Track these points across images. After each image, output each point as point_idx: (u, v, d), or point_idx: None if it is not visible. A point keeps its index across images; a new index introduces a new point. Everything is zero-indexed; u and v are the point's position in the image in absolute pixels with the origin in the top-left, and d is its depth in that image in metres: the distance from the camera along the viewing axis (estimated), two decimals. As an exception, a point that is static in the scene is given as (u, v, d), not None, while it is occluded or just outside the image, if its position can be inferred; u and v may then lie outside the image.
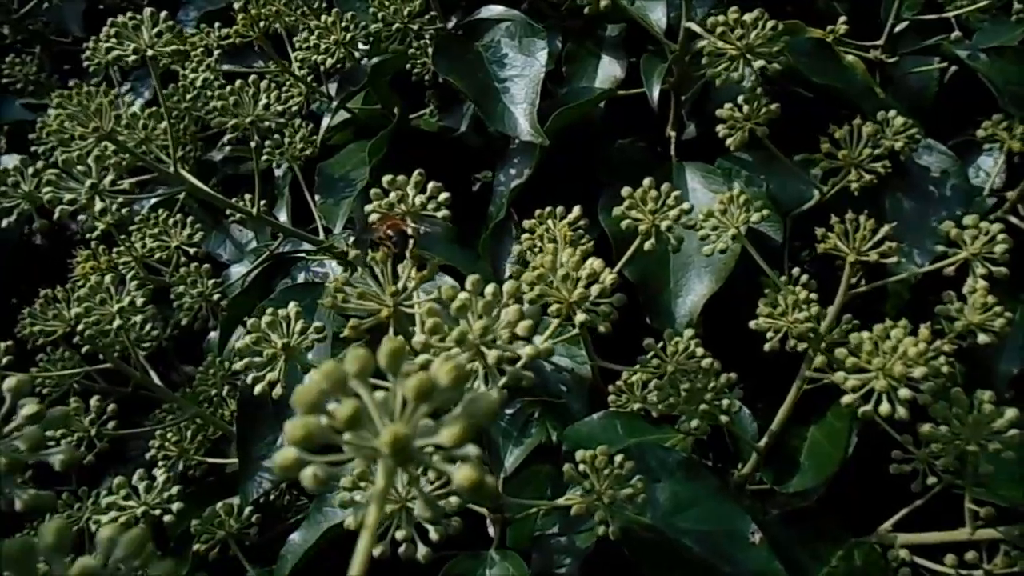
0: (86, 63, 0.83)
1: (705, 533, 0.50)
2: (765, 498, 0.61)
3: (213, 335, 0.77)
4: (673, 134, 0.72)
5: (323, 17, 0.65)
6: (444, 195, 0.48)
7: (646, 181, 0.50)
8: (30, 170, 0.59)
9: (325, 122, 0.72)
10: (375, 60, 0.69)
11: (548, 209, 0.56)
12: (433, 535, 0.39)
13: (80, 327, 0.55)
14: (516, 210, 0.71)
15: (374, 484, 0.23)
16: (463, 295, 0.36)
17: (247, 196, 0.80)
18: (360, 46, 0.68)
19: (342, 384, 0.22)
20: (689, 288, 0.62)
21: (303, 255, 0.71)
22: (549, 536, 0.54)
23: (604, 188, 0.64)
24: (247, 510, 0.62)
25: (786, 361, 0.55)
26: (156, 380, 0.64)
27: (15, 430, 0.29)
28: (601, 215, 0.63)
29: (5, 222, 0.60)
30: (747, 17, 0.53)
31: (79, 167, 0.53)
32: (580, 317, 0.43)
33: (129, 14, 0.57)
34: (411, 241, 0.43)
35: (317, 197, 0.71)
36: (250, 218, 0.64)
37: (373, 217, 0.47)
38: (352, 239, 0.69)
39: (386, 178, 0.47)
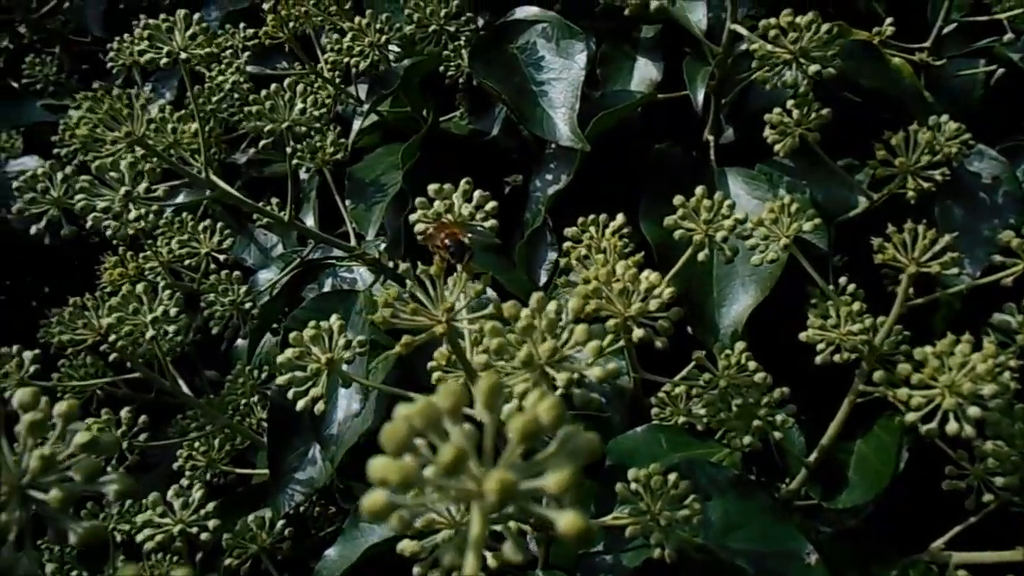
0: (109, 64, 0.82)
1: (759, 553, 0.49)
2: (811, 514, 0.59)
3: (240, 342, 0.76)
4: (711, 138, 0.70)
5: (357, 19, 0.63)
6: (491, 204, 0.46)
7: (699, 190, 0.49)
8: (59, 175, 0.58)
9: (356, 126, 0.70)
10: (408, 62, 0.67)
11: (592, 217, 0.54)
12: (491, 562, 0.37)
13: (112, 337, 0.54)
14: (549, 215, 0.69)
15: (466, 524, 0.21)
16: (526, 312, 0.34)
17: (274, 200, 0.79)
18: (392, 48, 0.67)
19: (435, 423, 0.21)
20: (734, 298, 0.60)
21: (333, 261, 0.69)
22: (594, 555, 0.53)
23: (644, 194, 0.63)
24: (280, 523, 0.60)
25: (825, 372, 0.54)
26: (185, 389, 0.63)
27: (68, 459, 0.27)
28: (642, 223, 0.61)
29: (34, 228, 0.59)
30: (801, 20, 0.52)
31: (112, 173, 0.51)
32: (638, 333, 0.41)
33: (162, 16, 0.55)
34: (468, 252, 0.42)
35: (348, 202, 0.70)
36: (280, 223, 0.63)
37: (420, 227, 0.46)
38: (383, 246, 0.68)
39: (432, 187, 0.46)
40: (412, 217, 0.47)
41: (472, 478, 0.20)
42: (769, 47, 0.54)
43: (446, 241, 0.42)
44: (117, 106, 0.56)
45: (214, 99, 0.75)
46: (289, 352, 0.45)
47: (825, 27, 0.52)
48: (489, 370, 0.33)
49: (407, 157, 0.66)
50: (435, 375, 0.48)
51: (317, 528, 0.67)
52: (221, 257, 0.67)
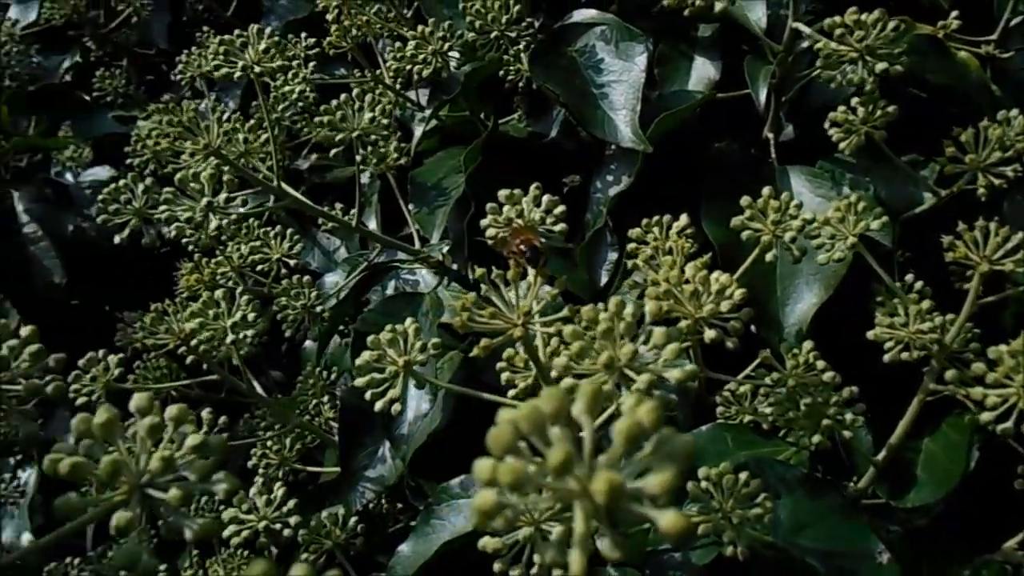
0: (177, 76, 0.85)
1: (829, 552, 0.49)
2: (880, 513, 0.59)
3: (309, 344, 0.78)
4: (771, 136, 0.70)
5: (420, 28, 0.65)
6: (560, 208, 0.47)
7: (766, 190, 0.49)
8: (140, 187, 0.60)
9: (419, 131, 0.72)
10: (469, 68, 0.68)
11: (656, 218, 0.55)
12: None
13: (194, 341, 0.56)
14: (608, 216, 0.70)
15: (571, 525, 0.22)
16: (604, 316, 0.35)
17: (338, 205, 0.81)
18: (453, 54, 0.68)
19: (540, 426, 0.22)
20: (798, 297, 0.60)
21: (397, 264, 0.71)
22: (662, 552, 0.53)
23: (706, 194, 0.63)
24: (352, 520, 0.62)
25: (889, 371, 0.53)
26: (259, 390, 0.65)
27: (182, 459, 0.29)
28: (705, 223, 0.62)
29: (118, 238, 0.61)
30: (868, 18, 0.51)
31: (192, 184, 0.54)
32: (710, 334, 0.42)
33: (236, 32, 0.57)
34: (542, 257, 0.43)
35: (411, 206, 0.71)
36: (347, 228, 0.64)
37: (491, 232, 0.47)
38: (446, 248, 0.69)
39: (503, 192, 0.47)
40: (483, 222, 0.48)
41: (575, 479, 0.21)
42: (834, 45, 0.53)
43: (521, 246, 0.43)
44: (191, 117, 0.58)
45: (279, 108, 0.77)
46: (367, 355, 0.47)
47: (892, 24, 0.51)
48: (576, 374, 0.34)
49: (469, 161, 0.68)
50: (504, 376, 0.49)
51: (385, 525, 0.69)
52: (291, 262, 0.69)
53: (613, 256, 0.69)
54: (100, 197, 0.60)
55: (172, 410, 0.30)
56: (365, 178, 0.88)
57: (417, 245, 0.69)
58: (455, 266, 0.68)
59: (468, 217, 0.67)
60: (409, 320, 0.48)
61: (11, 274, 0.89)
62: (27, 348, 0.36)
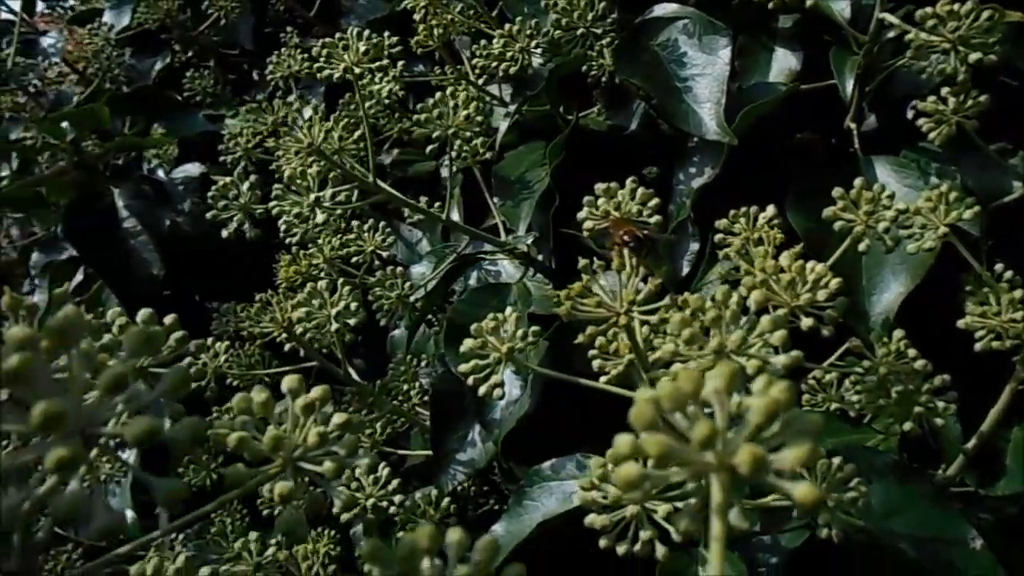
0: (267, 76, 0.89)
1: (921, 538, 0.50)
2: (967, 501, 0.59)
3: (397, 332, 0.81)
4: (854, 126, 0.70)
5: (507, 26, 0.67)
6: (655, 201, 0.49)
7: (858, 181, 0.50)
8: (245, 184, 0.64)
9: (503, 126, 0.74)
10: (553, 64, 0.70)
11: (743, 209, 0.56)
12: (676, 536, 0.40)
13: (299, 329, 0.59)
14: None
15: (710, 497, 0.24)
16: (710, 304, 0.37)
17: (422, 199, 0.84)
18: (535, 51, 0.70)
19: (682, 404, 0.24)
20: (884, 286, 0.61)
21: (483, 256, 0.73)
22: (751, 535, 0.55)
23: (791, 186, 0.64)
24: (445, 501, 0.65)
25: (976, 359, 0.54)
26: (355, 376, 0.68)
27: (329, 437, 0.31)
28: (790, 214, 0.62)
29: (225, 232, 0.65)
30: (960, 8, 0.52)
31: (299, 180, 0.57)
32: (807, 322, 0.43)
33: (338, 35, 0.60)
34: (645, 247, 0.44)
35: (495, 199, 0.73)
36: (437, 221, 0.67)
37: (588, 224, 0.49)
38: (530, 239, 0.71)
39: (600, 185, 0.49)
40: (580, 215, 0.50)
41: (714, 452, 0.23)
42: (924, 35, 0.54)
43: (624, 237, 0.45)
44: (293, 117, 0.61)
45: (366, 105, 0.80)
46: (470, 342, 0.49)
47: (985, 14, 0.52)
48: (681, 360, 0.36)
49: (553, 155, 0.70)
50: (596, 363, 0.51)
51: (473, 507, 0.72)
52: (384, 254, 0.72)
53: (695, 247, 0.70)
54: (209, 193, 0.64)
55: (317, 391, 0.33)
56: (445, 171, 0.92)
57: (502, 237, 0.71)
58: (540, 257, 0.70)
59: (552, 210, 0.69)
60: (509, 309, 0.50)
61: (113, 267, 0.94)
62: (172, 335, 0.39)
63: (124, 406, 0.23)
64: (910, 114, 0.75)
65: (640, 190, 0.49)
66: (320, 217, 0.55)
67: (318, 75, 0.60)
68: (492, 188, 0.74)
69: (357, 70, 0.59)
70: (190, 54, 1.20)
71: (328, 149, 0.65)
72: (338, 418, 0.32)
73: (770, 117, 0.75)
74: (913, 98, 0.74)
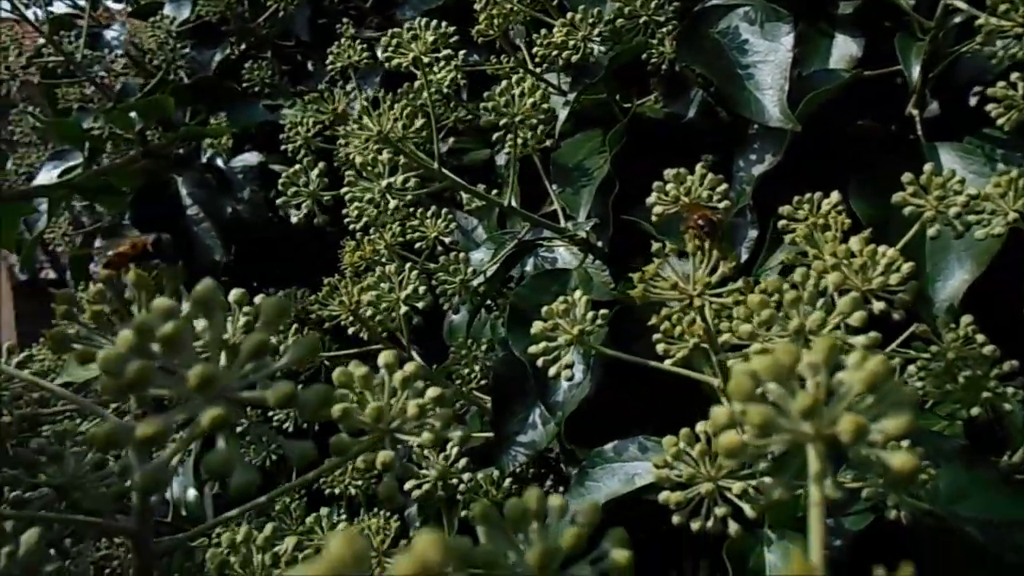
0: (328, 66, 0.91)
1: (989, 522, 0.50)
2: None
3: (455, 317, 0.83)
4: (916, 112, 0.70)
5: (569, 14, 0.68)
6: (724, 186, 0.50)
7: (928, 167, 0.50)
8: (315, 171, 0.66)
9: (563, 114, 0.75)
10: (613, 52, 0.71)
11: (807, 195, 0.56)
12: (750, 513, 0.41)
13: (369, 312, 0.61)
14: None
15: (808, 466, 0.25)
16: (787, 287, 0.37)
17: (480, 186, 0.85)
18: (597, 39, 0.71)
19: (781, 376, 0.25)
20: (949, 273, 0.61)
21: (543, 243, 0.74)
22: (814, 517, 0.55)
23: (853, 172, 0.64)
24: (507, 481, 0.66)
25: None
26: (417, 359, 0.70)
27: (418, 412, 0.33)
28: (853, 200, 0.63)
29: (295, 217, 0.67)
30: (1034, -8, 0.51)
31: (371, 168, 0.58)
32: (879, 306, 0.43)
33: (407, 26, 0.61)
34: (719, 230, 0.45)
35: (554, 186, 0.74)
36: (500, 209, 0.68)
37: (658, 209, 0.50)
38: (589, 226, 0.72)
39: (670, 171, 0.50)
40: (649, 200, 0.51)
41: (812, 423, 0.24)
42: (995, 20, 0.54)
43: (699, 220, 0.45)
44: (363, 106, 0.63)
45: (423, 95, 0.81)
46: (540, 324, 0.51)
47: (1059, -2, 0.51)
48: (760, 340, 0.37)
49: (613, 143, 0.70)
50: (660, 347, 0.52)
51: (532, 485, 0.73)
52: (447, 240, 0.74)
53: (753, 234, 0.70)
54: (280, 181, 0.66)
55: (411, 366, 0.34)
56: (501, 159, 0.93)
57: (561, 223, 0.72)
58: (600, 244, 0.71)
59: (613, 196, 0.70)
60: (579, 292, 0.51)
61: (178, 253, 0.97)
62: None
63: (254, 374, 0.24)
64: (973, 100, 0.75)
65: (709, 175, 0.50)
66: (392, 203, 0.57)
67: (386, 64, 0.61)
68: (550, 175, 0.75)
69: (425, 59, 0.60)
70: (244, 46, 1.22)
71: (393, 138, 0.67)
72: (433, 391, 0.33)
73: (829, 104, 0.75)
74: (976, 84, 0.74)
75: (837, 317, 0.36)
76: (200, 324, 0.24)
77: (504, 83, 0.61)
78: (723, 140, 0.74)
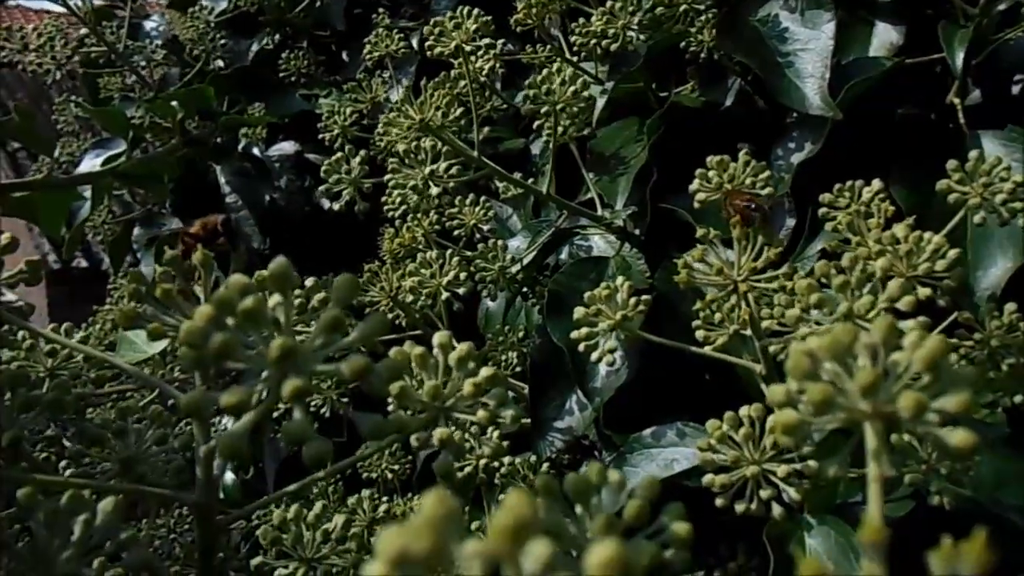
0: (366, 56, 0.91)
1: (1031, 509, 0.50)
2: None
3: (491, 305, 0.84)
4: (957, 101, 0.70)
5: (608, 3, 0.68)
6: (766, 173, 0.50)
7: (973, 154, 0.50)
8: (356, 160, 0.67)
9: (600, 103, 0.75)
10: (652, 41, 0.71)
11: (848, 183, 0.56)
12: (794, 496, 0.41)
13: (409, 298, 0.62)
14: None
15: (866, 444, 0.25)
16: (834, 272, 0.38)
17: (515, 174, 0.85)
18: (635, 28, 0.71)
19: (840, 355, 0.25)
20: (991, 261, 0.60)
21: (579, 230, 0.75)
22: (852, 504, 0.55)
23: (895, 160, 0.63)
24: (544, 466, 0.67)
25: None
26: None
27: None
28: (893, 188, 0.62)
29: (336, 205, 0.68)
30: (1084, -22, 0.51)
31: (414, 155, 0.59)
32: (925, 291, 0.43)
33: (449, 14, 0.62)
34: (763, 216, 0.45)
35: (591, 174, 0.75)
36: (539, 196, 0.69)
37: (700, 196, 0.50)
38: (626, 214, 0.73)
39: (714, 158, 0.50)
40: (692, 186, 0.51)
41: (869, 400, 0.25)
42: (1043, 7, 0.53)
43: (742, 207, 0.46)
44: (406, 96, 0.64)
45: (460, 84, 0.82)
46: (582, 310, 0.51)
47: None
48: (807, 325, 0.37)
49: (652, 131, 0.71)
50: (699, 333, 0.53)
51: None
52: (485, 228, 0.75)
53: (791, 222, 0.70)
54: (323, 168, 0.67)
55: (463, 348, 0.35)
56: (536, 148, 0.93)
57: (598, 211, 0.73)
58: (637, 231, 0.72)
59: (651, 184, 0.71)
60: (621, 278, 0.52)
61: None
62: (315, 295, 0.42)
63: (323, 349, 0.25)
64: (1016, 88, 0.74)
65: (753, 162, 0.50)
66: (434, 190, 0.57)
67: (428, 52, 0.62)
68: (587, 163, 0.76)
69: (467, 47, 0.61)
70: (280, 36, 1.24)
71: (433, 126, 0.68)
72: (486, 371, 0.34)
73: (867, 91, 0.75)
74: (1019, 72, 0.73)
75: (885, 302, 0.36)
76: (273, 300, 0.25)
77: (544, 71, 0.61)
78: (760, 128, 0.74)
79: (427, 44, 0.63)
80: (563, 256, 0.80)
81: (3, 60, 1.14)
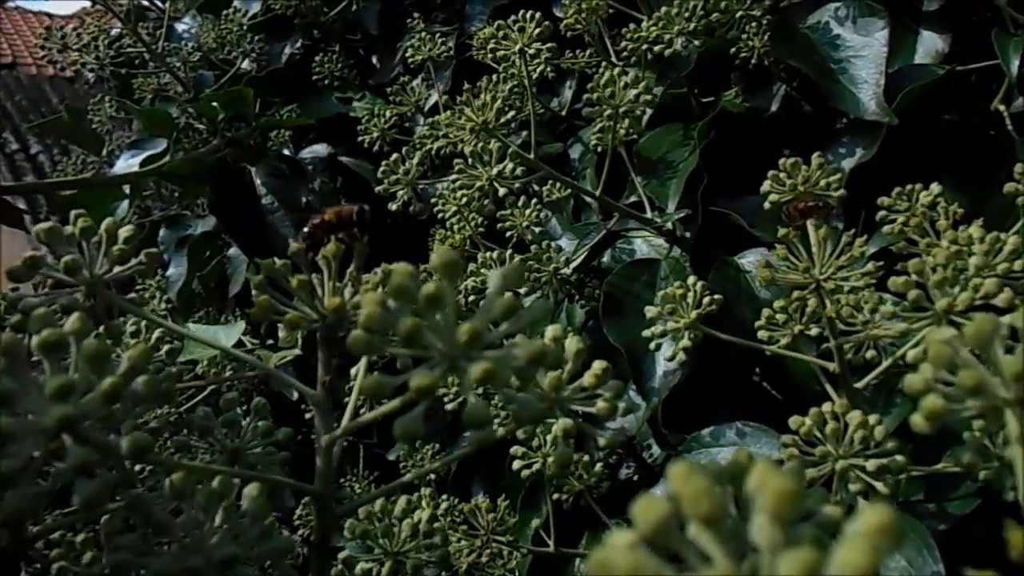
0: (409, 60, 0.92)
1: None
2: None
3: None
4: (1003, 107, 0.71)
5: (664, 9, 0.69)
6: (837, 176, 0.51)
7: (1041, 158, 0.51)
8: (413, 161, 0.67)
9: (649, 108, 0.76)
10: (702, 46, 0.72)
11: (908, 187, 0.57)
12: (884, 490, 0.42)
13: (472, 298, 0.63)
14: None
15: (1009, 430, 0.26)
16: (931, 268, 0.39)
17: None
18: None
19: (984, 343, 0.26)
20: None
21: (629, 233, 0.76)
22: (914, 503, 0.56)
23: (950, 167, 0.65)
24: (598, 465, 0.68)
25: None
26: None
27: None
28: (948, 192, 0.63)
29: (393, 206, 0.69)
30: None
31: (481, 156, 0.60)
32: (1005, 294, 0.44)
33: (512, 17, 0.63)
34: (828, 217, 0.46)
35: (639, 178, 0.76)
36: (594, 198, 0.70)
37: (773, 197, 0.51)
38: (680, 215, 0.74)
39: (788, 161, 0.51)
40: (763, 188, 0.52)
41: (1014, 387, 0.26)
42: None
43: (809, 207, 0.47)
44: (466, 99, 0.64)
45: (505, 87, 0.83)
46: (653, 309, 0.52)
47: None
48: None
49: (701, 136, 0.72)
50: (762, 333, 0.54)
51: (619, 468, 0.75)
52: (537, 229, 0.76)
53: (839, 226, 0.71)
54: (380, 170, 0.68)
55: (578, 341, 0.36)
56: (575, 153, 0.94)
57: (648, 214, 0.74)
58: (687, 234, 0.72)
59: (701, 189, 0.72)
60: (692, 279, 0.53)
61: (255, 240, 0.99)
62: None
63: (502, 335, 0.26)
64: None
65: (826, 165, 0.51)
66: (502, 190, 0.58)
67: (480, 55, 0.63)
68: (634, 167, 0.77)
69: (531, 51, 0.62)
70: (311, 40, 1.25)
71: (492, 128, 0.68)
72: (600, 364, 0.35)
73: (913, 99, 0.76)
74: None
75: (981, 299, 0.37)
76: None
77: (607, 74, 0.62)
78: (806, 134, 0.75)
79: (489, 47, 0.64)
80: (605, 259, 0.81)
81: (4, 62, 1.14)
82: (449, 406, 0.70)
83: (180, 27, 1.21)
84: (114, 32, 1.05)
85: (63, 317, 0.28)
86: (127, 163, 1.02)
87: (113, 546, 0.26)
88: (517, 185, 0.60)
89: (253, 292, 0.34)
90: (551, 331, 0.36)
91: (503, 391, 0.26)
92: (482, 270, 0.64)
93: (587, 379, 0.34)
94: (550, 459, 0.57)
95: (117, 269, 0.35)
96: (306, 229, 0.37)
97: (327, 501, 0.34)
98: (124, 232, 0.36)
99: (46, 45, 1.00)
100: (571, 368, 0.35)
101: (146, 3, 1.22)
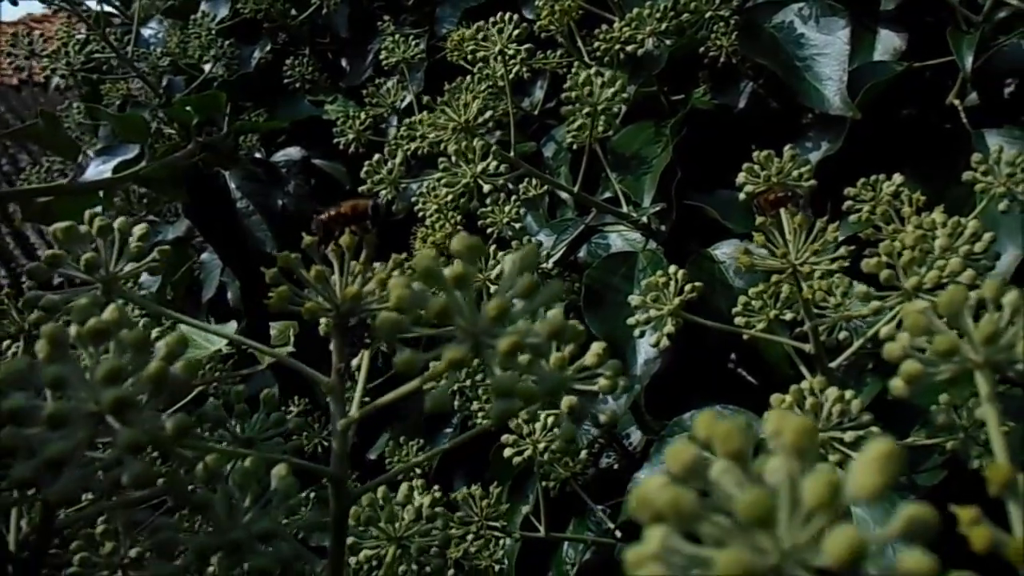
0: (383, 61, 0.94)
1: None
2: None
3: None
4: (957, 102, 0.75)
5: (635, 10, 0.71)
6: (807, 166, 0.54)
7: (994, 148, 0.54)
8: (396, 160, 0.69)
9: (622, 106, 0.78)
10: (672, 46, 0.75)
11: (873, 178, 0.60)
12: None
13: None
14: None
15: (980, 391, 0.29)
16: (906, 250, 0.41)
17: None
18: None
19: (956, 310, 0.28)
20: (1001, 248, 0.65)
21: (606, 228, 0.78)
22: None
23: (909, 160, 0.68)
24: (583, 452, 0.70)
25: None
26: (490, 340, 0.73)
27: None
28: (908, 183, 0.67)
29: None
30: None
31: (459, 156, 0.62)
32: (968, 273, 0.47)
33: (492, 19, 0.65)
34: (798, 207, 0.49)
35: (614, 174, 0.78)
36: (572, 195, 0.72)
37: (748, 188, 0.53)
38: (656, 210, 0.76)
39: (762, 153, 0.53)
40: (739, 180, 0.54)
41: (978, 350, 0.28)
42: (1048, 14, 0.58)
43: (778, 198, 0.49)
44: (451, 100, 0.66)
45: (481, 88, 0.85)
46: (637, 297, 0.54)
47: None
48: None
49: (675, 132, 0.74)
50: (738, 319, 0.56)
51: (601, 456, 0.77)
52: (517, 225, 0.77)
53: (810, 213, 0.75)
54: (364, 170, 0.69)
55: (575, 326, 0.38)
56: (548, 151, 0.96)
57: (623, 209, 0.76)
58: (662, 228, 0.75)
59: (676, 183, 0.74)
60: (673, 267, 0.55)
61: (231, 244, 1.00)
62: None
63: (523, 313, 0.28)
64: (1007, 91, 0.80)
65: (797, 157, 0.54)
66: (487, 188, 0.60)
67: (453, 56, 0.65)
68: (609, 164, 0.79)
69: (510, 52, 0.64)
70: (280, 43, 1.25)
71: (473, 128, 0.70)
72: (598, 346, 0.37)
73: (876, 94, 0.80)
74: (1012, 75, 0.78)
75: (947, 277, 0.40)
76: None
77: (584, 74, 0.65)
78: (773, 129, 0.79)
79: (468, 48, 0.65)
80: (582, 254, 0.83)
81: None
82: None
83: (147, 32, 1.20)
84: (79, 37, 1.04)
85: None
86: (98, 169, 1.02)
87: (154, 527, 0.27)
88: (500, 182, 0.61)
89: (269, 283, 0.35)
90: (552, 315, 0.38)
91: (526, 365, 0.28)
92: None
93: (589, 359, 0.36)
94: (540, 445, 0.59)
95: (132, 266, 0.36)
96: (321, 219, 0.39)
97: (343, 483, 0.35)
98: (138, 230, 0.37)
99: (13, 52, 1.00)
100: (571, 349, 0.37)
101: (110, 9, 1.21)
